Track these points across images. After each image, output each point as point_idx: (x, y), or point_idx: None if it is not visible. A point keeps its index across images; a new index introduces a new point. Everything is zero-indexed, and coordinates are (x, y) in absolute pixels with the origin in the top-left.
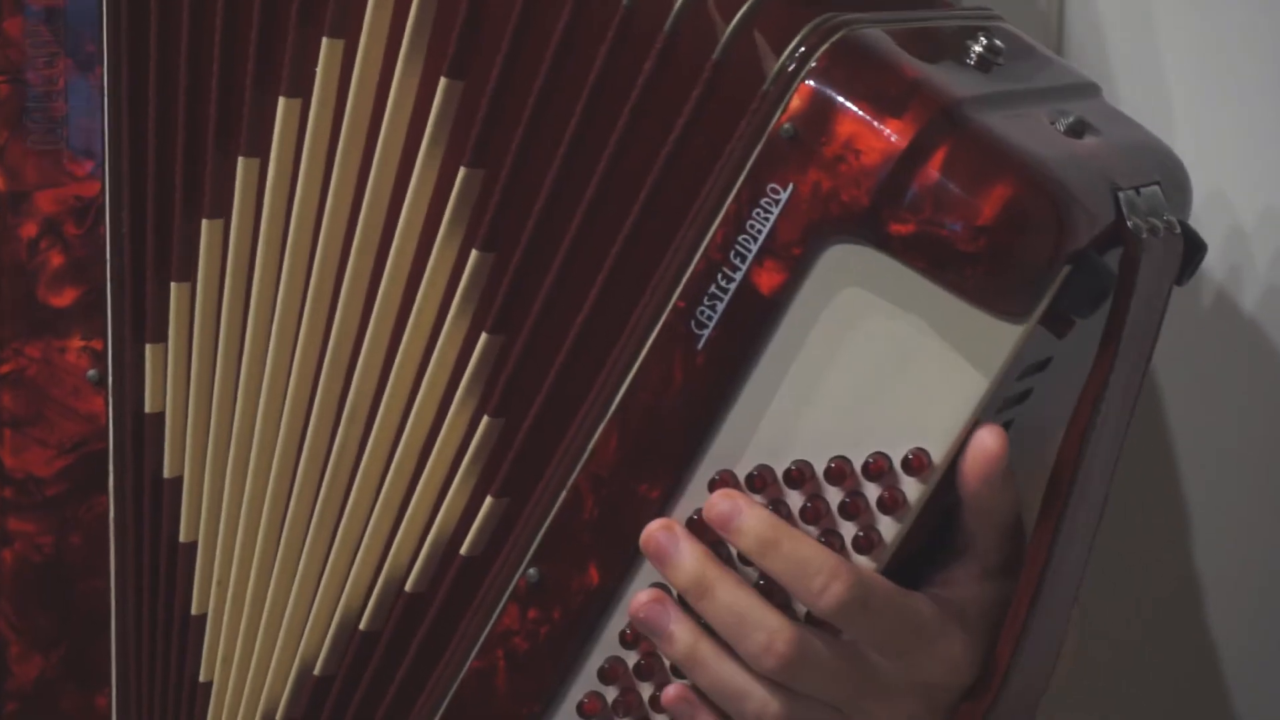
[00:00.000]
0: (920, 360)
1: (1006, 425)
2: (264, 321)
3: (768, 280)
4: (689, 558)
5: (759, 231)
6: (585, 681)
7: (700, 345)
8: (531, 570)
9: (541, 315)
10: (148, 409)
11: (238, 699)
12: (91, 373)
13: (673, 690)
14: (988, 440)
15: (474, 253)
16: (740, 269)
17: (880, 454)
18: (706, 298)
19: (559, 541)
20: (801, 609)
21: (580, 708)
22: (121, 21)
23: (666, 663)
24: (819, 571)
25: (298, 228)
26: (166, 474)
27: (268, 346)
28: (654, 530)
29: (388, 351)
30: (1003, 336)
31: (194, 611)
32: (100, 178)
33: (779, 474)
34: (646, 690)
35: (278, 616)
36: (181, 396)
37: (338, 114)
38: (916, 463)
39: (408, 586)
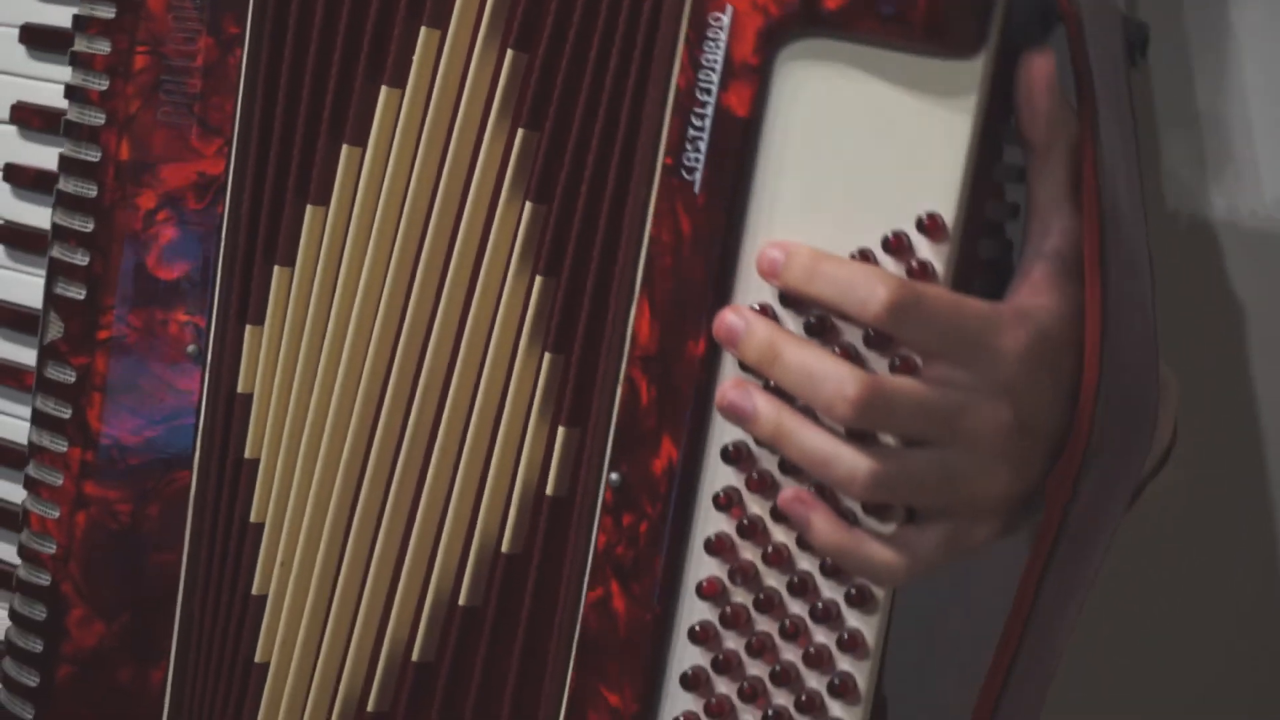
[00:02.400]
0: (900, 129)
1: (1006, 247)
2: (347, 306)
3: (738, 100)
4: (758, 325)
5: (715, 61)
6: (697, 563)
7: (697, 188)
8: (613, 476)
9: (578, 256)
10: (240, 389)
11: (303, 683)
12: (191, 348)
13: (788, 493)
14: (1036, 59)
15: (528, 205)
16: (710, 102)
17: (895, 231)
18: (688, 143)
19: (629, 437)
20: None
21: (700, 590)
22: (266, 8)
23: (765, 516)
24: (864, 282)
25: (384, 214)
26: (247, 454)
27: (347, 330)
28: (723, 315)
29: (462, 311)
30: (968, 74)
31: (255, 592)
32: (226, 157)
33: None
34: (757, 554)
35: (352, 600)
36: (270, 379)
37: (426, 101)
38: (931, 225)
39: (504, 548)
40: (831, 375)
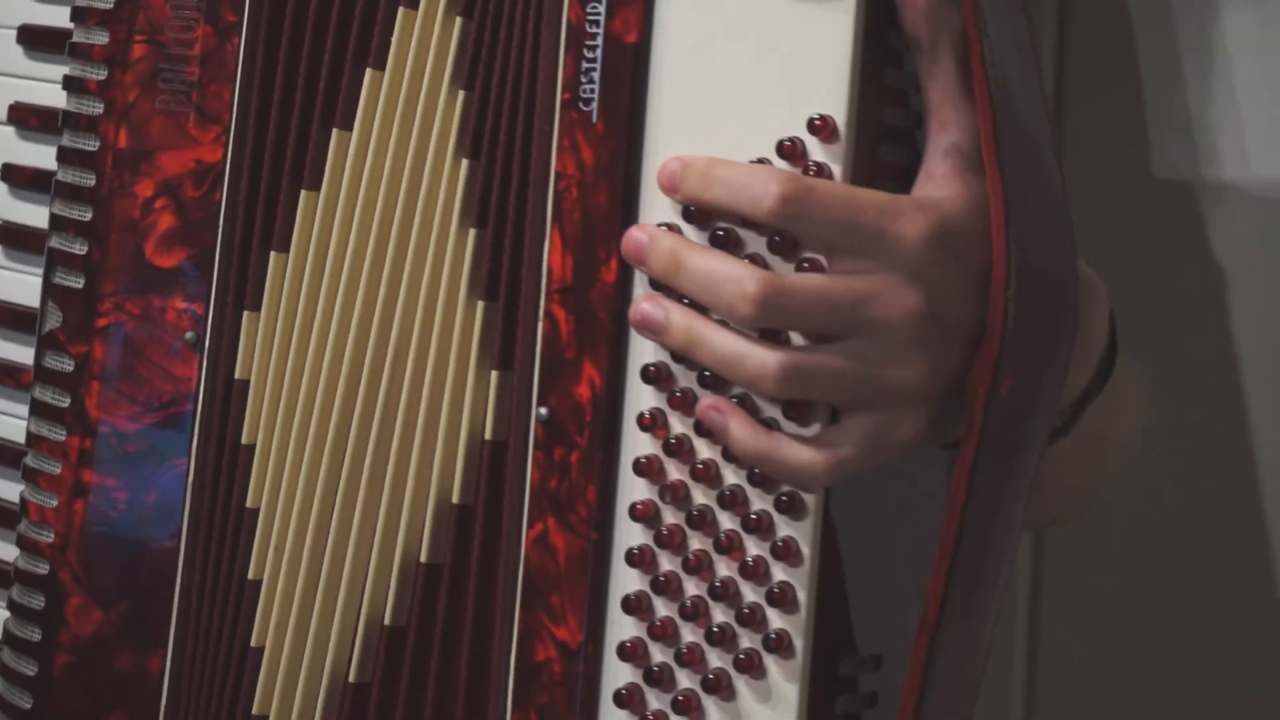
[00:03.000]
0: (784, 35)
1: (916, 156)
2: (336, 289)
3: (624, 26)
4: (660, 237)
5: None
6: (628, 487)
7: (595, 117)
8: (541, 411)
9: (500, 205)
10: (237, 375)
11: (295, 664)
12: (189, 335)
13: (705, 402)
14: None
15: (464, 162)
16: (599, 33)
17: (788, 137)
18: (583, 76)
19: (554, 370)
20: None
21: (633, 512)
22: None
23: (689, 433)
24: (756, 181)
25: (365, 196)
26: (244, 440)
27: (335, 312)
28: (629, 232)
29: (412, 275)
30: None
31: (250, 576)
32: (224, 144)
33: None
34: (684, 471)
35: (337, 575)
36: (266, 364)
37: (399, 82)
38: (822, 126)
39: (455, 499)
40: (732, 276)
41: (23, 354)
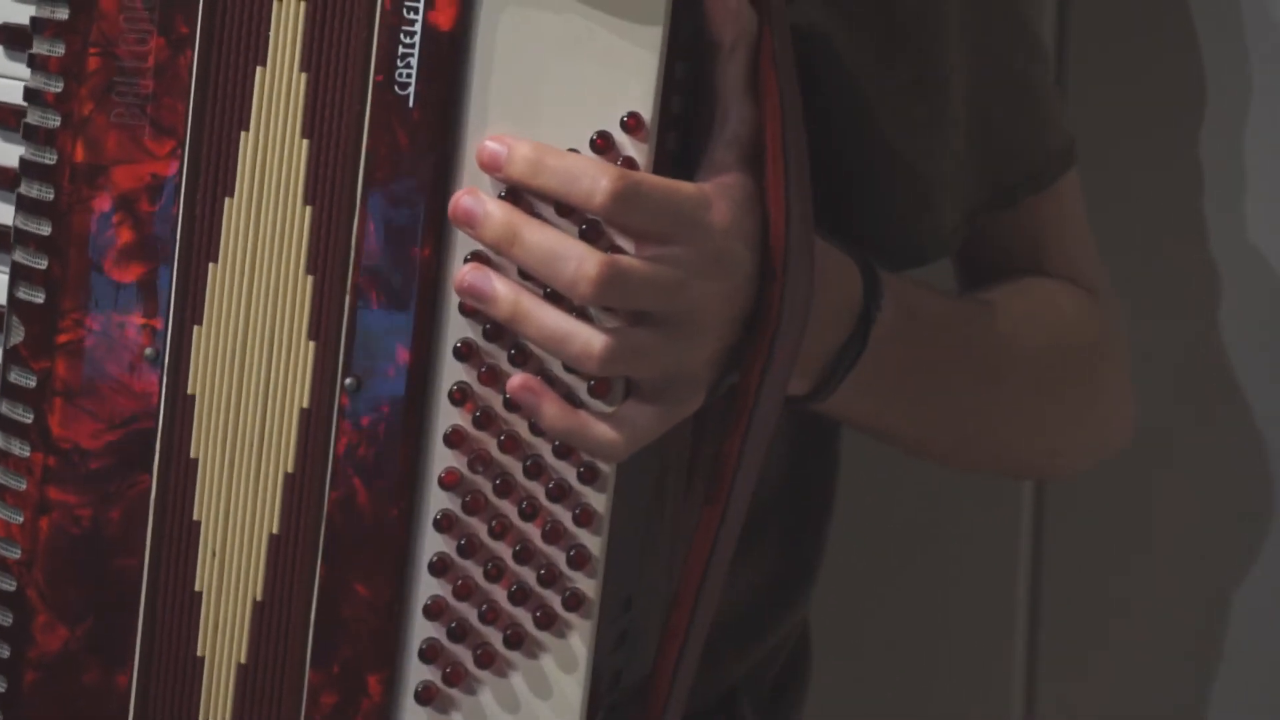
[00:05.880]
0: (600, 38)
1: (685, 139)
2: (243, 294)
3: (445, 16)
4: (495, 208)
5: None
6: (438, 457)
7: (410, 103)
8: (348, 380)
9: (321, 183)
10: (189, 390)
11: (226, 669)
12: (149, 351)
13: (515, 380)
14: None
15: (304, 142)
16: (417, 20)
17: (600, 132)
18: (399, 60)
19: (363, 343)
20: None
21: (441, 481)
22: (216, 6)
23: (497, 404)
24: (586, 174)
25: (258, 191)
26: (192, 454)
27: (239, 314)
28: (458, 198)
29: (271, 256)
30: None
31: (196, 588)
32: (179, 158)
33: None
34: (492, 443)
35: (235, 563)
36: (210, 377)
37: (290, 79)
38: (632, 124)
39: (289, 469)
40: (573, 254)
41: None
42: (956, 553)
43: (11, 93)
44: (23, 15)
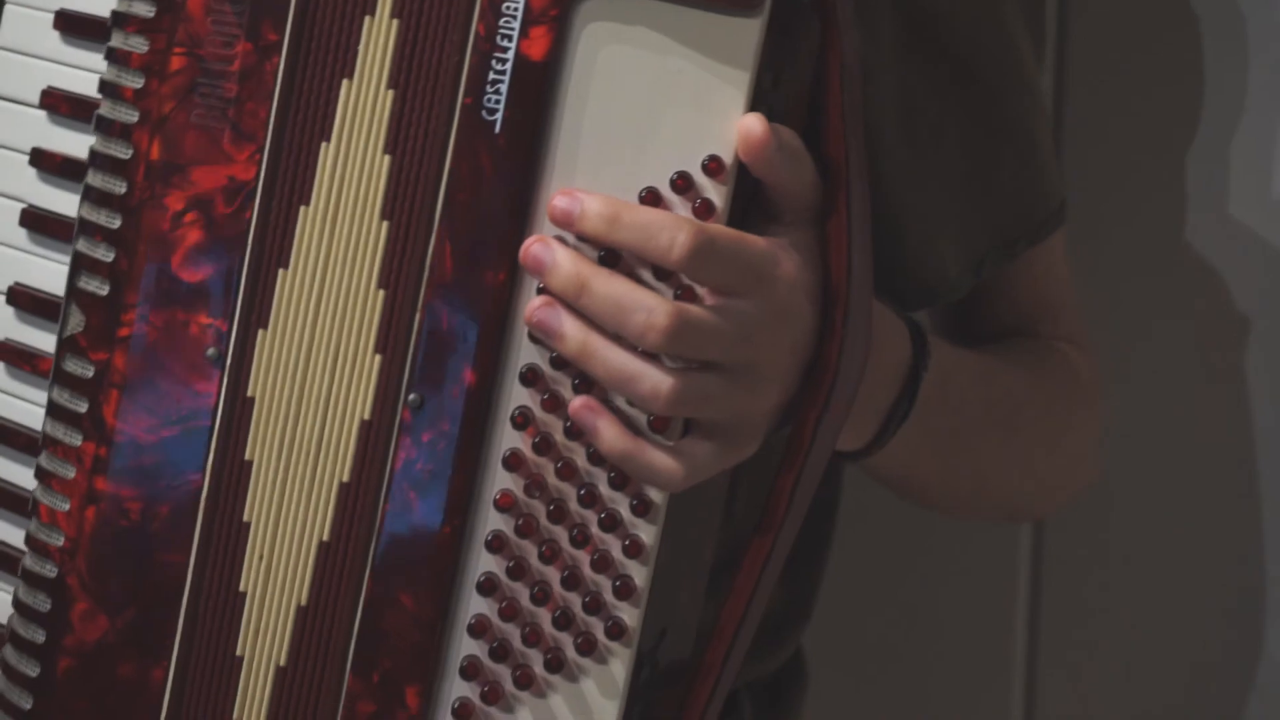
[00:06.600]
0: (687, 79)
1: (769, 113)
2: (314, 302)
3: (538, 48)
4: (564, 258)
5: (515, 9)
6: (495, 478)
7: (498, 129)
8: (412, 396)
9: (401, 198)
10: (249, 392)
11: (265, 670)
12: (211, 350)
13: (577, 402)
14: (749, 126)
15: (386, 158)
16: (510, 48)
17: (680, 173)
18: (489, 86)
19: (430, 361)
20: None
21: (496, 502)
22: (306, 16)
23: (558, 432)
24: (664, 229)
25: (338, 203)
26: (246, 456)
27: (308, 322)
28: (529, 245)
29: (344, 272)
30: (747, 32)
31: (240, 588)
32: (258, 164)
33: None
34: (549, 469)
35: (281, 567)
36: (270, 381)
37: (376, 94)
38: (713, 167)
39: (345, 478)
40: (641, 305)
41: (40, 339)
42: (957, 553)
43: (64, 79)
44: (79, 4)
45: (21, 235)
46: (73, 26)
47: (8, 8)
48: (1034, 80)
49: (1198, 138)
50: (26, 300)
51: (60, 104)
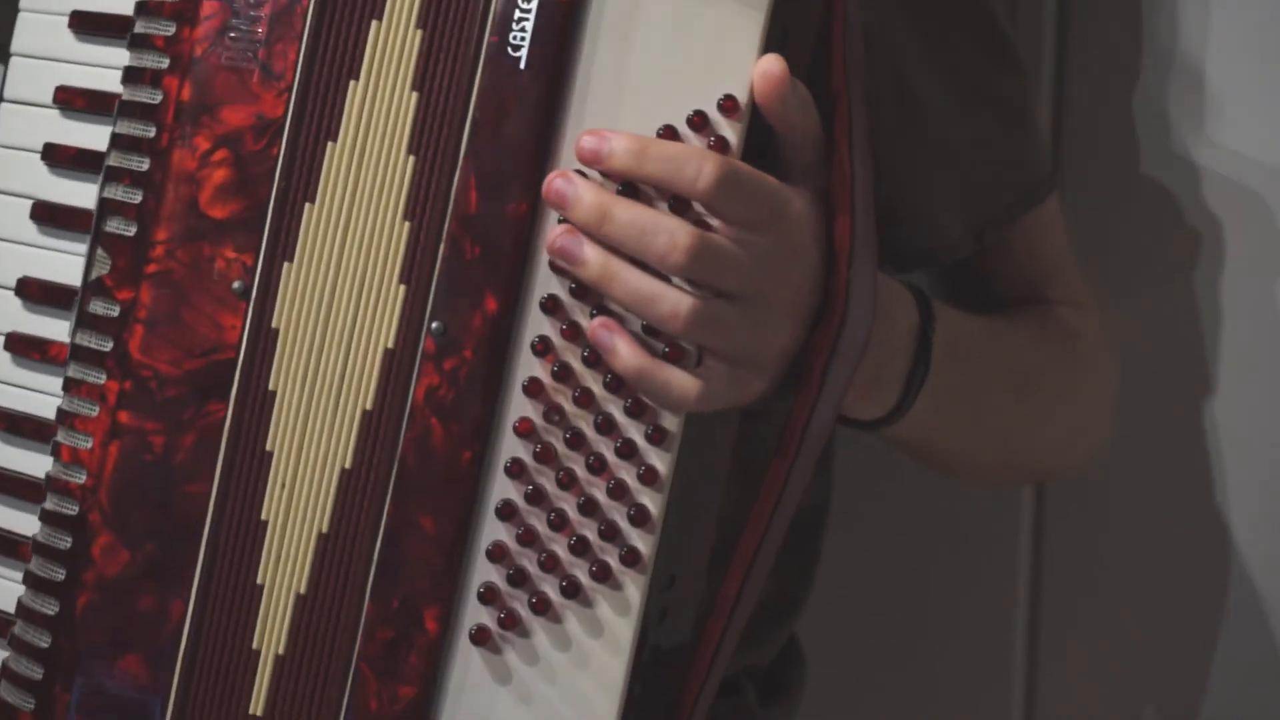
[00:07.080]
0: (706, 22)
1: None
2: (342, 236)
3: None
4: (587, 190)
5: None
6: (515, 405)
7: (522, 65)
8: (434, 324)
9: (427, 132)
10: (274, 324)
11: (285, 598)
12: (237, 284)
13: (596, 321)
14: (767, 65)
15: (413, 94)
16: None
17: (698, 110)
18: (514, 24)
19: (452, 289)
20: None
21: (515, 429)
22: None
23: (577, 360)
24: (690, 160)
25: (364, 140)
26: (270, 386)
27: (335, 257)
28: (551, 180)
29: (371, 207)
30: None
31: (262, 517)
32: (285, 101)
33: None
34: (568, 396)
35: (323, 511)
36: (295, 313)
37: (405, 36)
38: (729, 106)
39: (368, 405)
40: (664, 228)
41: (52, 328)
42: (957, 553)
43: (78, 76)
44: (93, 3)
45: (30, 230)
46: (86, 24)
47: (21, 14)
48: (1015, 54)
49: (1197, 137)
50: (35, 289)
51: (75, 99)
